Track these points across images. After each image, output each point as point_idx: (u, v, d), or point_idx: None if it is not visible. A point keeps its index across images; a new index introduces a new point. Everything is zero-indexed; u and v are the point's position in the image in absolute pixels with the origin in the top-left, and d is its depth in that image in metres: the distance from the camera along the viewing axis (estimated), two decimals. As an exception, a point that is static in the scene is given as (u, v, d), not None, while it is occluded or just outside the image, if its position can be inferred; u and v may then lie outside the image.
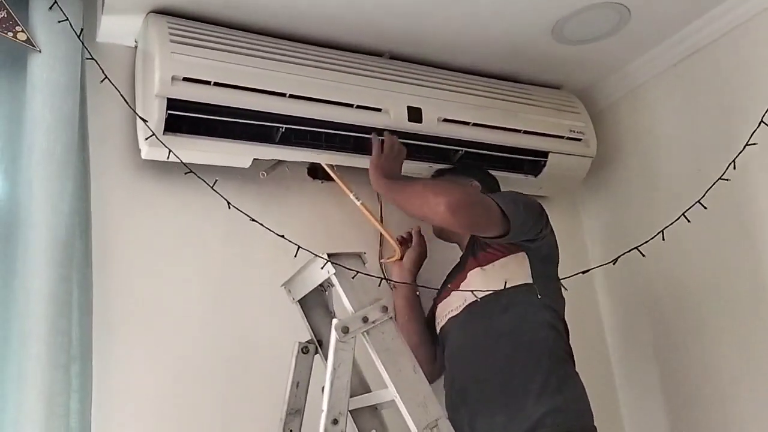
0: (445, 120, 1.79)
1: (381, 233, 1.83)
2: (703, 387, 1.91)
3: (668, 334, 2.02)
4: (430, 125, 1.76)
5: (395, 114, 1.72)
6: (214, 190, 1.19)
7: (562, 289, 1.56)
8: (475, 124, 1.83)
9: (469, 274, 1.63)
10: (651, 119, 2.10)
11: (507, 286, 1.51)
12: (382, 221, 1.84)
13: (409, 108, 1.74)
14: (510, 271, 1.56)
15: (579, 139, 2.03)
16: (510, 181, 1.93)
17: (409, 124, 1.73)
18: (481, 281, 1.57)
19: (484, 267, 1.60)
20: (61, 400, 1.31)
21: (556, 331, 1.57)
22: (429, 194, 1.52)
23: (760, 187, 1.76)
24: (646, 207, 2.08)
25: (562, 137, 1.99)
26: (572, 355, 1.58)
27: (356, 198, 1.76)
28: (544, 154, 1.97)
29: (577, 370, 1.56)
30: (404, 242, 1.85)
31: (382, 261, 1.86)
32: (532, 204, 1.60)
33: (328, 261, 1.23)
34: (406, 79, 1.79)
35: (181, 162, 1.23)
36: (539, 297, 1.51)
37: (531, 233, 1.57)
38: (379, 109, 1.70)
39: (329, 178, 1.79)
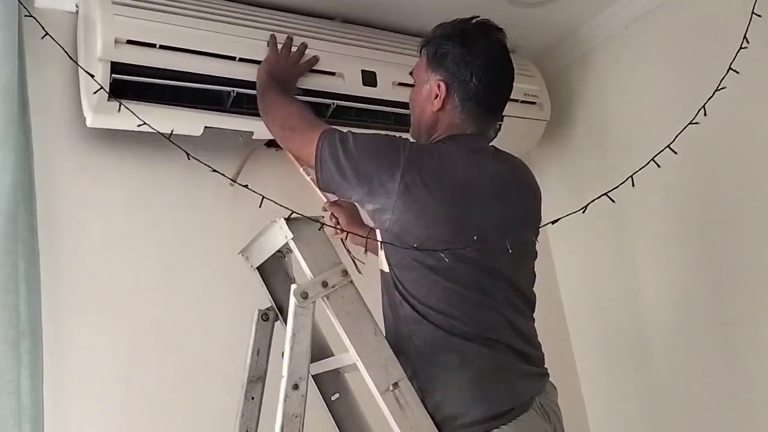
0: (400, 84, 1.77)
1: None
2: (658, 341, 1.97)
3: (626, 288, 2.07)
4: (384, 89, 1.75)
5: (349, 78, 1.70)
6: (171, 141, 1.13)
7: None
8: (430, 88, 1.82)
9: None
10: (602, 82, 2.13)
11: (382, 269, 1.33)
12: None
13: (364, 72, 1.72)
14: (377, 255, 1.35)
15: (533, 103, 2.05)
16: (466, 146, 1.93)
17: (363, 89, 1.72)
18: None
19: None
20: (10, 377, 1.27)
21: (425, 326, 1.26)
22: (269, 115, 1.45)
23: (724, 134, 1.78)
24: (598, 169, 2.11)
25: (516, 101, 2.00)
26: (462, 348, 1.25)
27: (306, 173, 1.75)
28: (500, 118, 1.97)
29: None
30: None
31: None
32: (364, 168, 1.26)
33: (286, 220, 1.21)
34: (360, 43, 1.77)
35: (135, 115, 1.15)
36: (396, 282, 1.29)
37: (350, 197, 1.32)
38: (332, 73, 1.68)
39: (283, 148, 1.76)
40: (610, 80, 2.10)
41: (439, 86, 1.37)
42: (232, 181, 1.27)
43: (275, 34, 1.61)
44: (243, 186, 1.17)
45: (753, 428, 1.73)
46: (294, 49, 1.62)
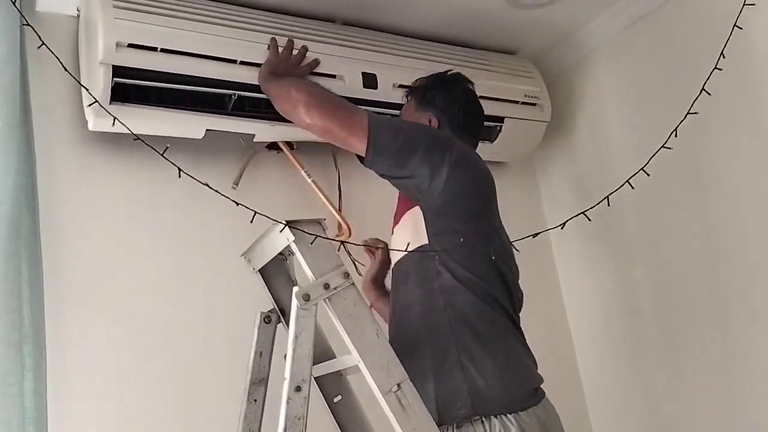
0: (401, 86, 1.77)
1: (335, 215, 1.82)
2: (655, 341, 1.98)
3: (624, 290, 2.08)
4: (385, 91, 1.75)
5: (350, 80, 1.70)
6: (164, 157, 1.15)
7: (499, 245, 1.40)
8: (430, 90, 1.82)
9: (401, 219, 1.48)
10: (602, 84, 2.13)
11: (409, 249, 1.37)
12: (340, 201, 1.84)
13: (364, 74, 1.73)
14: (410, 231, 1.41)
15: (534, 104, 2.05)
16: (467, 147, 1.94)
17: (364, 91, 1.72)
18: (398, 238, 1.46)
19: (397, 225, 1.48)
20: (14, 380, 1.28)
21: (460, 295, 1.33)
22: (293, 88, 1.44)
23: (702, 155, 1.81)
24: (598, 171, 2.12)
25: (517, 102, 2.01)
26: (496, 321, 1.35)
27: (308, 175, 1.76)
28: (500, 120, 1.98)
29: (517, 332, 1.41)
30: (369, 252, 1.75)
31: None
32: (422, 141, 1.37)
33: (286, 226, 1.21)
34: (360, 45, 1.78)
35: (128, 130, 1.19)
36: (434, 254, 1.35)
37: (398, 168, 1.37)
38: (333, 76, 1.68)
39: (286, 151, 1.78)
40: (610, 82, 2.10)
41: (430, 121, 1.54)
42: (230, 192, 1.28)
43: (276, 37, 1.61)
44: (236, 203, 1.18)
45: (749, 419, 1.73)
46: (295, 52, 1.62)
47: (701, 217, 1.85)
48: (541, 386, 1.37)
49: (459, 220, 1.37)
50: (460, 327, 1.32)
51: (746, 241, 1.75)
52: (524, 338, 1.42)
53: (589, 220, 1.38)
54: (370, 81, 1.73)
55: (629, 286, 2.06)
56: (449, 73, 1.63)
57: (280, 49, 1.60)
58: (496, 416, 1.26)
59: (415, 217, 1.40)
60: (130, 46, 1.43)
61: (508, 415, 1.26)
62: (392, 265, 1.50)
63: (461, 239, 1.33)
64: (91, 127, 1.53)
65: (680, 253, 1.90)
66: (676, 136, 1.41)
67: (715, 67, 1.43)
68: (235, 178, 1.76)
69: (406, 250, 1.38)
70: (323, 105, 1.40)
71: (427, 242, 1.36)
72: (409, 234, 1.40)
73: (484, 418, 1.27)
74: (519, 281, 1.48)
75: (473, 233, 1.36)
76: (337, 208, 1.84)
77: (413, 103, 1.59)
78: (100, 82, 1.41)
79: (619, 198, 1.42)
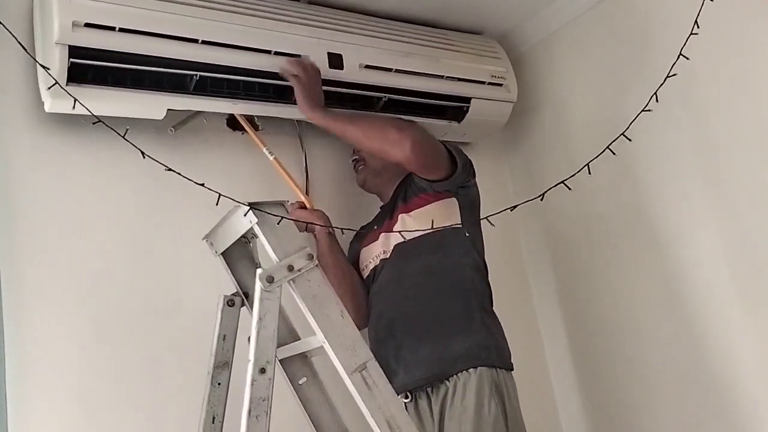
0: (367, 66, 1.76)
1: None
2: (613, 313, 2.01)
3: (583, 270, 2.11)
4: (351, 72, 1.74)
5: (315, 60, 1.67)
6: (125, 139, 1.13)
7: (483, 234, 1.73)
8: (397, 71, 1.81)
9: (399, 217, 1.69)
10: (567, 63, 2.13)
11: (436, 227, 1.57)
12: (307, 182, 1.83)
13: (330, 54, 1.71)
14: (440, 215, 1.63)
15: (500, 84, 2.05)
16: (434, 128, 1.94)
17: (330, 71, 1.70)
18: (412, 224, 1.64)
19: (415, 210, 1.67)
20: (-29, 368, 1.25)
21: (480, 272, 1.68)
22: (392, 129, 1.58)
23: (676, 125, 1.82)
24: (564, 150, 2.13)
25: (483, 83, 2.00)
26: (492, 296, 1.69)
27: (269, 153, 1.74)
28: (467, 100, 1.98)
29: (497, 309, 1.68)
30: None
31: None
32: (462, 151, 1.71)
33: (250, 209, 1.20)
34: (326, 25, 1.75)
35: (89, 111, 1.16)
36: (467, 237, 1.66)
37: (464, 178, 1.68)
38: (298, 56, 1.66)
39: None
40: (575, 62, 2.11)
41: None
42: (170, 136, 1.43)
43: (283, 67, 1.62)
44: (199, 185, 1.17)
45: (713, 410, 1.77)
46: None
47: (659, 203, 1.87)
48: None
49: (478, 213, 1.72)
50: (480, 296, 1.63)
51: (696, 221, 1.78)
52: None
53: (569, 189, 1.37)
54: (335, 61, 1.71)
55: (593, 267, 2.08)
56: None
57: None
58: (500, 369, 1.55)
59: (449, 204, 1.66)
60: (87, 25, 1.39)
61: (509, 372, 1.58)
62: (386, 254, 1.68)
63: (477, 228, 1.70)
64: (47, 108, 1.49)
65: (637, 240, 1.92)
66: (657, 101, 1.40)
67: (692, 33, 1.43)
68: (175, 124, 1.69)
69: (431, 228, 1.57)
70: (426, 147, 1.60)
71: (460, 225, 1.62)
72: (439, 215, 1.61)
73: (497, 369, 1.54)
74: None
75: (479, 225, 1.70)
76: (304, 188, 1.83)
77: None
78: (56, 63, 1.37)
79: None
